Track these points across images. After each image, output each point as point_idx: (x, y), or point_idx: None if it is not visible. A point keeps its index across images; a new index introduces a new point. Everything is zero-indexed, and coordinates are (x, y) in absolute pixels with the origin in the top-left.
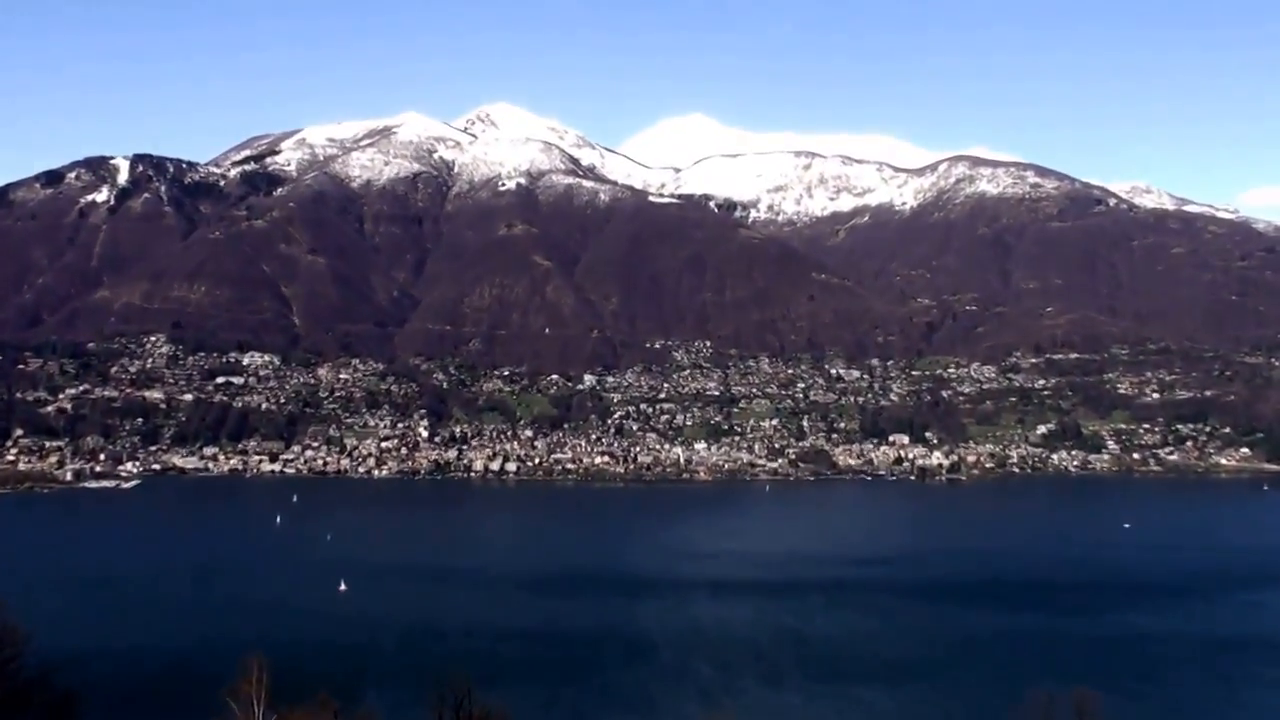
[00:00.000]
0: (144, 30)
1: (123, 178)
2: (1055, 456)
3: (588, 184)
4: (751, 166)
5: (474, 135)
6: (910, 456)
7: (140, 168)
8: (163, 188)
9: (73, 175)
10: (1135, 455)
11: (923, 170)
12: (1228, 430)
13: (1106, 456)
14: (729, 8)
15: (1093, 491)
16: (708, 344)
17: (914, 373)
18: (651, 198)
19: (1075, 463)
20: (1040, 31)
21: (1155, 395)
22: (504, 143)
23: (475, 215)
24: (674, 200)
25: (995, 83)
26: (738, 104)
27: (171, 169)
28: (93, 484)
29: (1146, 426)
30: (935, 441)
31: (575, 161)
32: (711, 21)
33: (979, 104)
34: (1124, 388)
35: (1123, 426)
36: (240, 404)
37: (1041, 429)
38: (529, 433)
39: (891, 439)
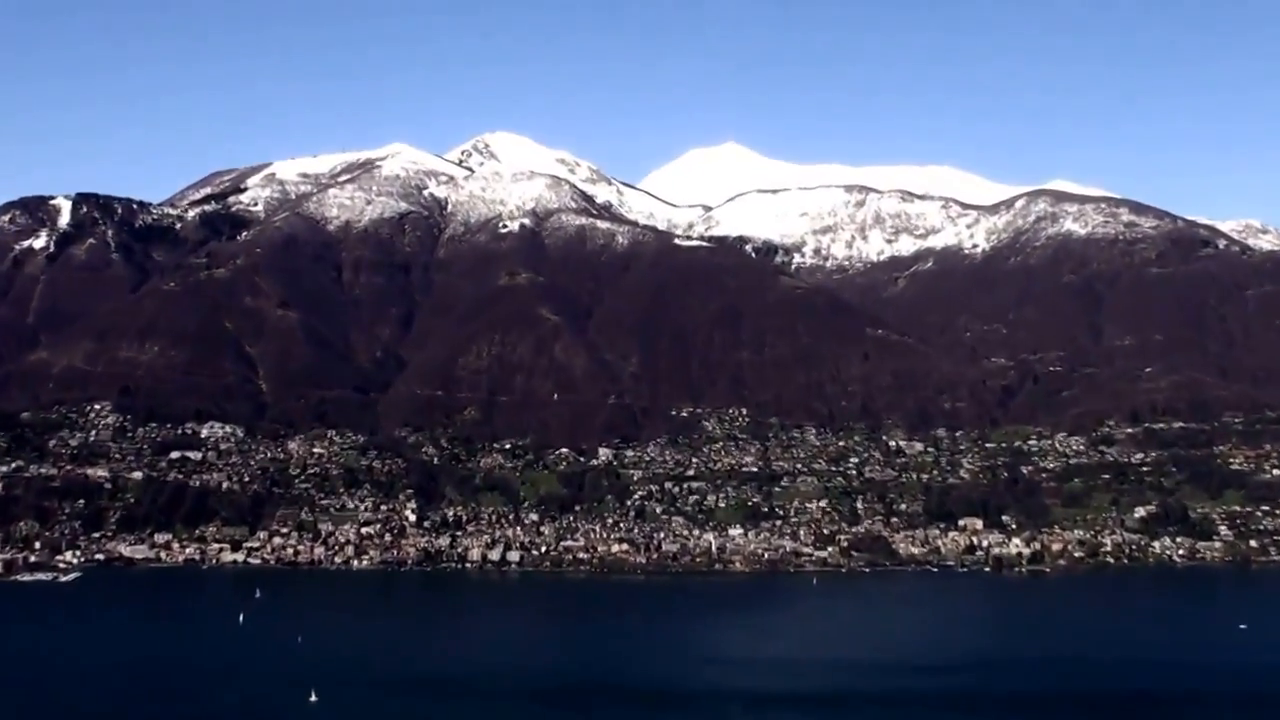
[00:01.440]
0: (85, 49)
1: (64, 221)
2: (1157, 544)
3: (603, 225)
4: (795, 204)
5: (470, 169)
6: (984, 544)
7: (84, 209)
8: (110, 232)
9: (5, 218)
10: (1252, 543)
11: (996, 207)
12: None
13: (1218, 544)
14: (764, 22)
15: (1202, 586)
16: (744, 412)
17: (988, 445)
18: (678, 240)
19: (1181, 551)
20: (1133, 45)
21: (1275, 472)
22: (505, 177)
23: (472, 262)
24: (704, 243)
25: (1080, 104)
26: (777, 132)
27: (120, 210)
28: (26, 577)
29: (1265, 509)
30: (1014, 526)
31: (588, 199)
32: (744, 39)
33: (1061, 129)
34: (1238, 463)
35: (1237, 509)
36: (198, 483)
37: (1140, 512)
38: (534, 516)
39: (962, 523)
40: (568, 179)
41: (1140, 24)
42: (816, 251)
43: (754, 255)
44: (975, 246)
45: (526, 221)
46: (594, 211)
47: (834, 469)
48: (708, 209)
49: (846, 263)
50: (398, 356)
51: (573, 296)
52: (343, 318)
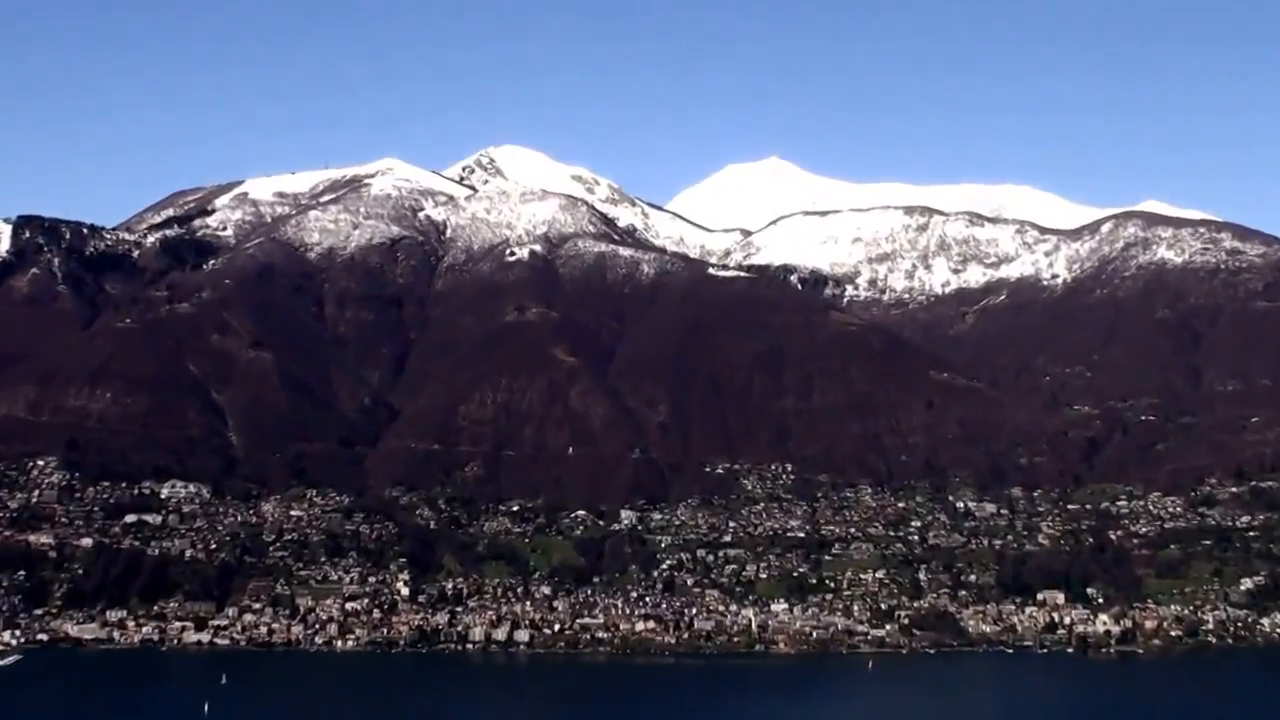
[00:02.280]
0: (26, 54)
1: (3, 247)
2: (1266, 621)
3: (626, 252)
4: (847, 228)
5: (473, 187)
6: (1066, 621)
7: (26, 234)
8: (56, 260)
9: None
10: None
11: (1079, 232)
12: None
13: None
14: (810, 23)
15: None
16: (788, 468)
17: (1070, 507)
18: (712, 270)
19: None
20: (1234, 53)
21: None
22: (513, 197)
23: (474, 294)
24: (742, 273)
25: (1176, 115)
26: (826, 146)
27: (68, 235)
28: None
29: None
30: (1100, 601)
31: (610, 222)
32: (788, 41)
33: (1154, 142)
34: None
35: None
36: (156, 551)
37: (1247, 583)
38: (546, 589)
39: (1040, 597)
40: (585, 199)
41: (1242, 29)
42: (872, 283)
43: (800, 287)
44: (1055, 277)
45: (537, 248)
46: (615, 236)
47: (893, 534)
48: (746, 234)
49: (906, 295)
50: (388, 404)
51: (591, 335)
52: (325, 359)
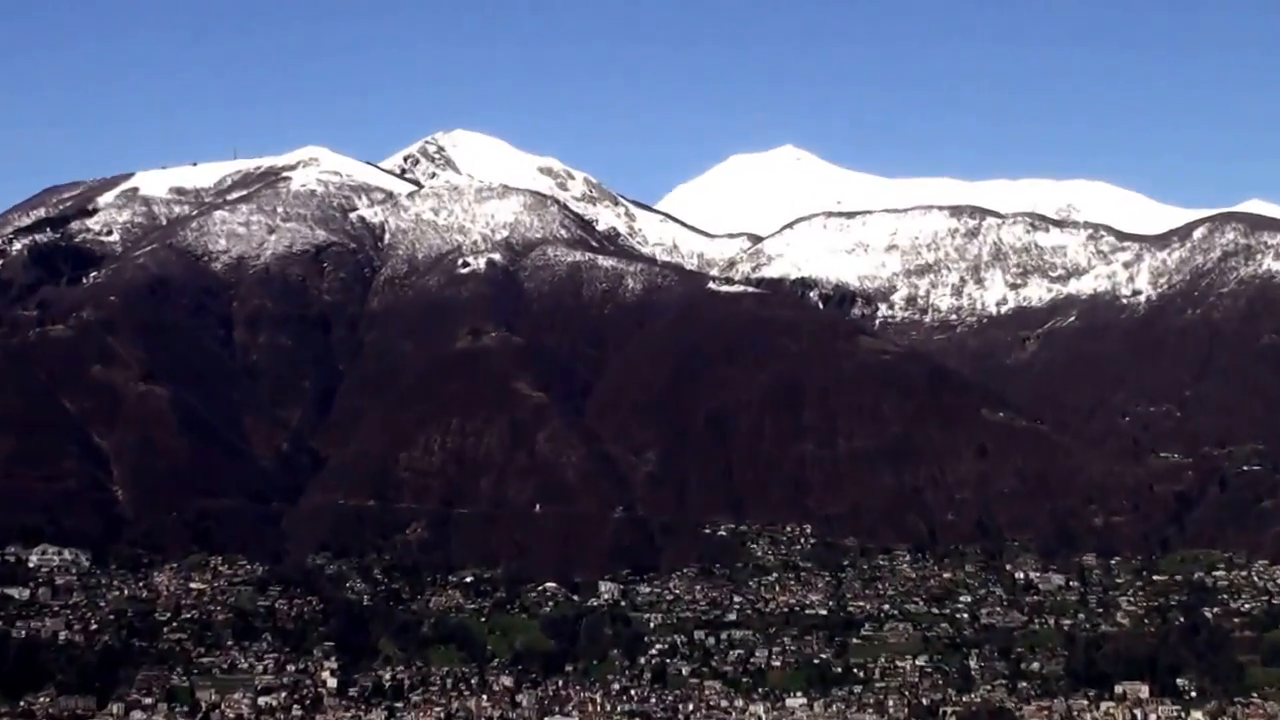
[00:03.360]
0: None
1: None
2: None
3: (606, 262)
4: (879, 232)
5: (417, 182)
6: (1152, 718)
7: None
8: None
9: None
10: None
11: (1166, 238)
12: None
13: None
14: None
15: None
16: (807, 530)
17: (1156, 578)
18: (713, 285)
19: None
20: None
21: None
22: (467, 195)
23: (418, 315)
24: (750, 288)
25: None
26: (852, 133)
27: None
28: None
29: None
30: (1194, 694)
31: (586, 225)
32: (805, 8)
33: (1256, 130)
34: None
35: None
36: (23, 633)
37: None
38: (508, 680)
39: (1119, 689)
40: (556, 196)
41: None
42: (910, 300)
43: (821, 306)
44: (1137, 294)
45: (497, 257)
46: (594, 243)
47: (936, 612)
48: (755, 239)
49: (953, 317)
50: (311, 451)
51: (563, 364)
52: (233, 395)
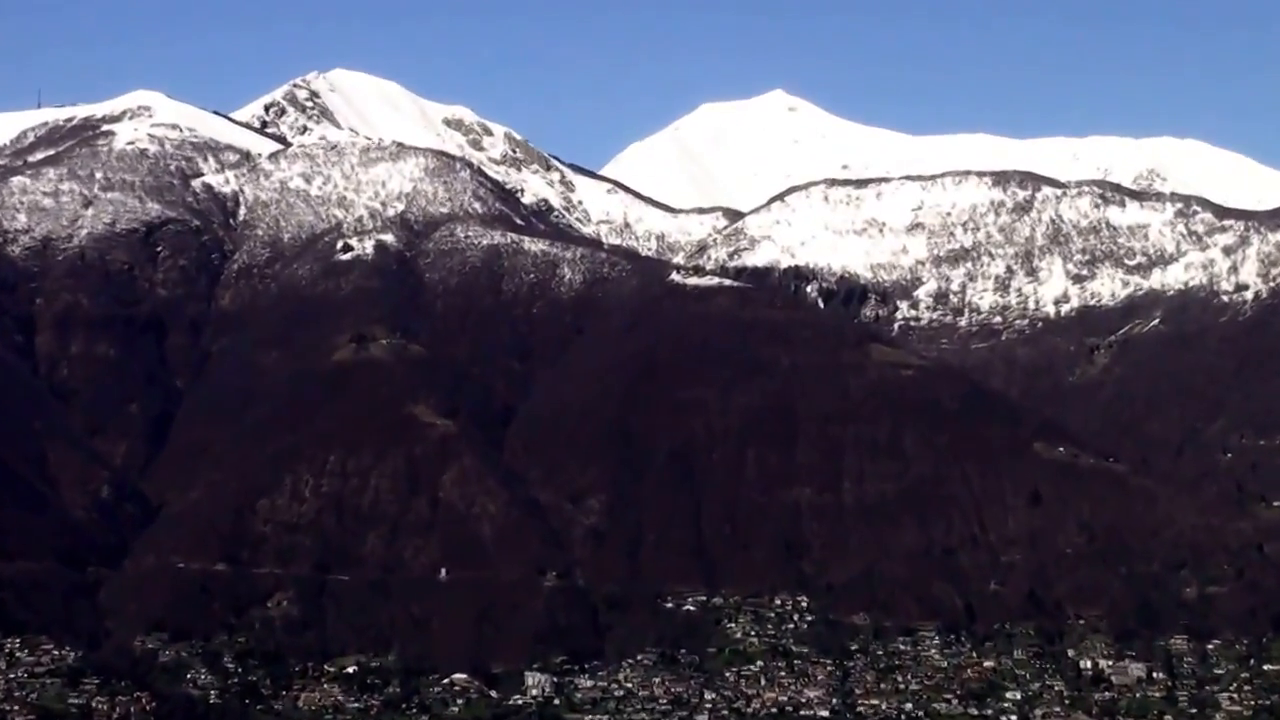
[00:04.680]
0: None
1: None
2: None
3: (535, 245)
4: (899, 206)
5: (283, 139)
6: None
7: None
8: None
9: None
10: None
11: (1276, 216)
12: None
13: None
14: None
15: None
16: (803, 603)
17: (1267, 668)
18: (678, 276)
19: None
20: None
21: None
22: (350, 156)
23: (284, 315)
24: (726, 281)
25: None
26: (861, 74)
27: None
28: None
29: None
30: None
31: (509, 195)
32: None
33: None
34: None
35: None
36: None
37: None
38: None
39: None
40: (468, 157)
41: None
42: (941, 297)
43: (822, 304)
44: (1241, 289)
45: (389, 239)
46: (518, 220)
47: (976, 712)
48: (734, 216)
49: (998, 319)
50: (141, 497)
51: (477, 381)
52: (36, 423)
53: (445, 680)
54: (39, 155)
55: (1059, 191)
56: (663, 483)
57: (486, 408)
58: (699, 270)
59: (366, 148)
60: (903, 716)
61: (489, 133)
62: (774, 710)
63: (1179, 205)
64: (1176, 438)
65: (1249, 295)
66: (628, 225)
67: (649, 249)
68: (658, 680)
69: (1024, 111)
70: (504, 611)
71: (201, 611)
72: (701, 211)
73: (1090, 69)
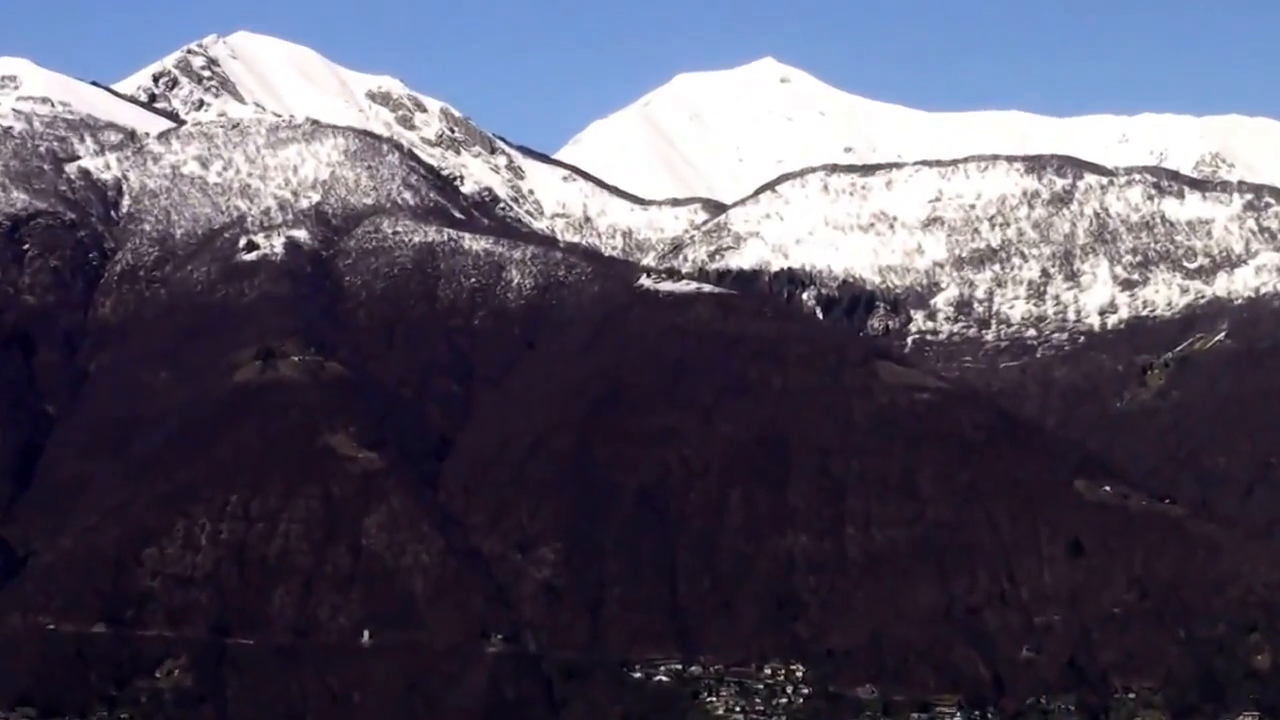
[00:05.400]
0: None
1: None
2: None
3: (477, 244)
4: (912, 198)
5: (175, 116)
6: None
7: None
8: None
9: None
10: None
11: None
12: None
13: None
14: None
15: None
16: (797, 672)
17: None
18: (648, 281)
19: None
20: None
21: None
22: (255, 135)
23: (176, 328)
24: (706, 287)
25: None
26: (867, 41)
27: None
28: None
29: None
30: None
31: (447, 184)
32: None
33: None
34: None
35: None
36: None
37: None
38: None
39: None
40: (398, 138)
41: None
42: (964, 306)
43: (821, 314)
44: None
45: (302, 235)
46: (456, 212)
47: None
48: (717, 208)
49: (1032, 331)
50: (3, 543)
51: (409, 405)
52: None
53: None
54: None
55: (1105, 180)
56: (630, 528)
57: (418, 438)
58: (673, 273)
59: (275, 126)
60: None
61: (422, 108)
62: None
63: (1249, 196)
64: (1245, 475)
65: None
66: (588, 219)
67: (613, 247)
68: None
69: (1063, 84)
70: (439, 683)
71: (77, 682)
72: (676, 203)
73: (1142, 33)
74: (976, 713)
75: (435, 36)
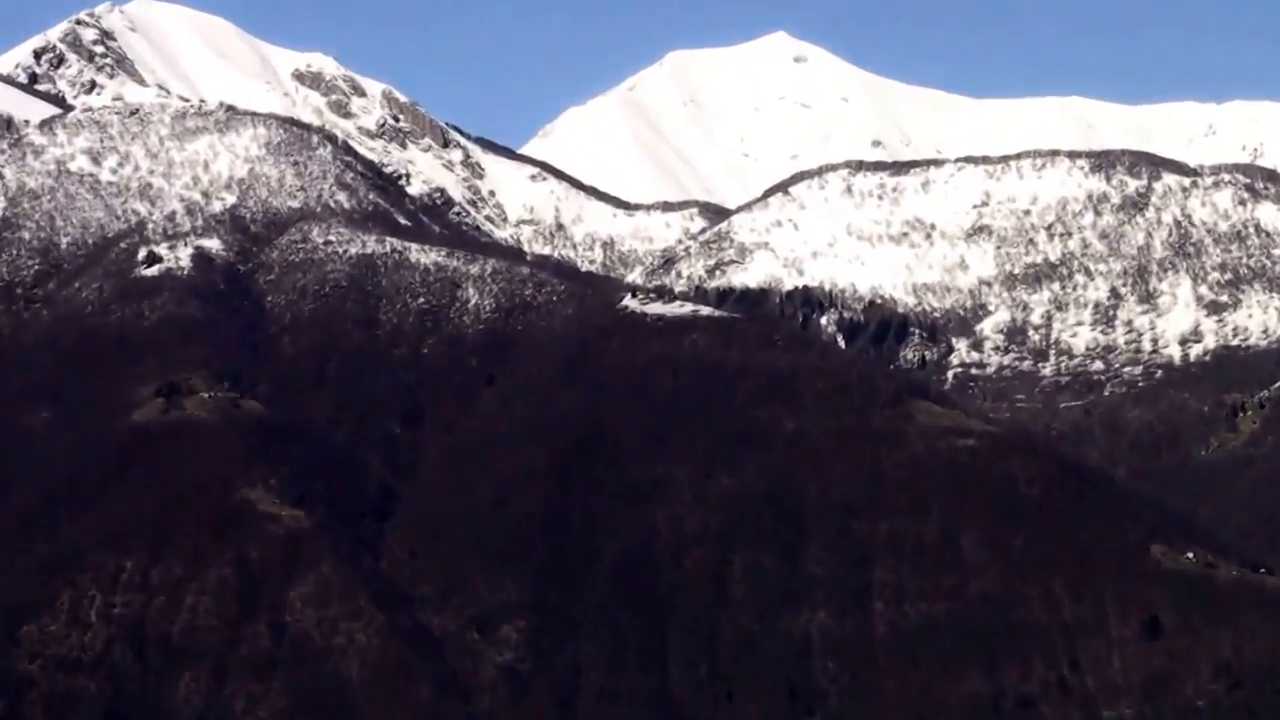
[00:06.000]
0: None
1: None
2: None
3: (427, 256)
4: (953, 201)
5: (60, 100)
6: None
7: None
8: None
9: None
10: None
11: None
12: None
13: None
14: None
15: None
16: None
17: None
18: (634, 301)
19: None
20: None
21: None
22: (158, 123)
23: (64, 354)
24: (703, 309)
25: None
26: (897, 14)
27: None
28: None
29: None
30: None
31: (390, 184)
32: None
33: None
34: None
35: None
36: None
37: None
38: None
39: None
40: (331, 126)
41: None
42: (1015, 333)
43: (843, 342)
44: None
45: (214, 245)
46: (401, 218)
47: None
48: (717, 214)
49: (1099, 365)
50: None
51: (343, 453)
52: None
53: None
54: None
55: (1187, 180)
56: (610, 602)
57: (354, 492)
58: (664, 293)
59: (182, 113)
60: None
61: (361, 92)
62: None
63: None
64: None
65: None
66: (561, 227)
67: (592, 261)
68: None
69: (1137, 65)
70: None
71: None
72: (668, 207)
73: (1233, 5)
74: None
75: (376, 4)
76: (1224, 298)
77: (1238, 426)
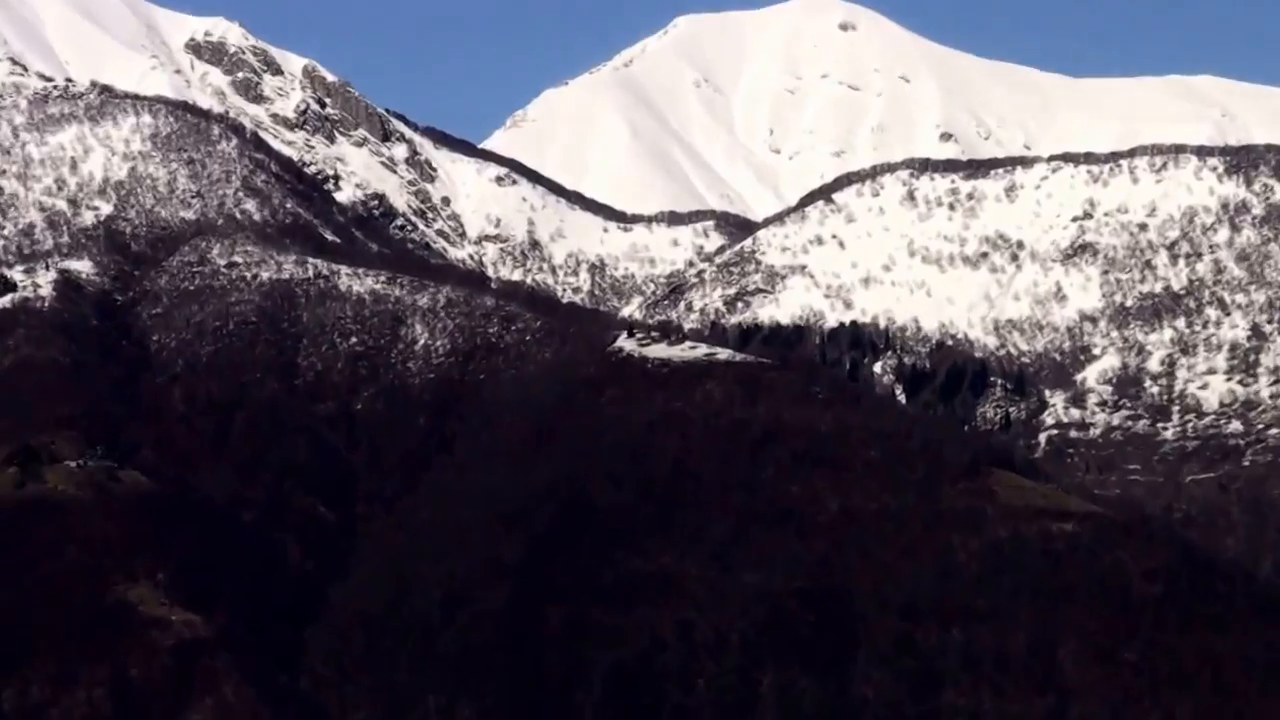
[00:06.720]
0: None
1: None
2: None
3: (360, 283)
4: (1043, 213)
5: None
6: None
7: None
8: None
9: None
10: None
11: None
12: None
13: None
14: None
15: None
16: None
17: None
18: (630, 342)
19: None
20: None
21: None
22: (15, 109)
23: None
24: (722, 353)
25: None
26: None
27: None
28: None
29: None
30: None
31: (312, 187)
32: None
33: None
34: None
35: None
36: None
37: None
38: None
39: None
40: (236, 114)
41: None
42: (1127, 384)
43: (902, 394)
44: None
45: (84, 267)
46: (330, 233)
47: None
48: (739, 227)
49: (1237, 424)
50: None
51: (253, 540)
52: None
53: None
54: None
55: None
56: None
57: (267, 590)
58: (670, 331)
59: (42, 95)
60: None
61: (276, 69)
62: None
63: None
64: None
65: None
66: (536, 245)
67: (576, 290)
68: None
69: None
70: None
71: None
72: (675, 219)
73: None
74: None
75: None
76: None
77: None
